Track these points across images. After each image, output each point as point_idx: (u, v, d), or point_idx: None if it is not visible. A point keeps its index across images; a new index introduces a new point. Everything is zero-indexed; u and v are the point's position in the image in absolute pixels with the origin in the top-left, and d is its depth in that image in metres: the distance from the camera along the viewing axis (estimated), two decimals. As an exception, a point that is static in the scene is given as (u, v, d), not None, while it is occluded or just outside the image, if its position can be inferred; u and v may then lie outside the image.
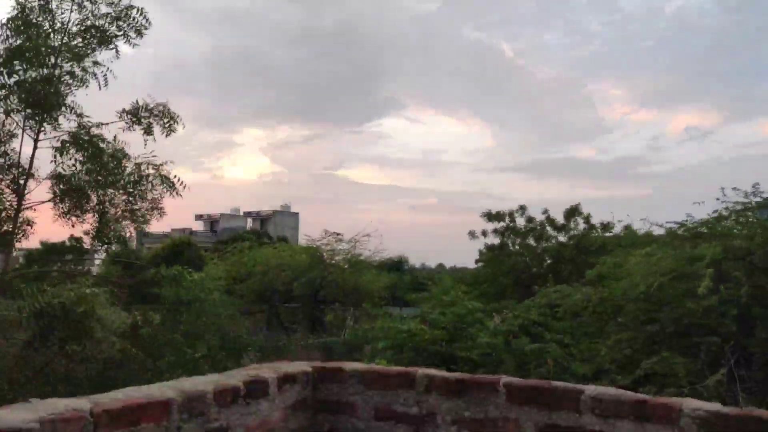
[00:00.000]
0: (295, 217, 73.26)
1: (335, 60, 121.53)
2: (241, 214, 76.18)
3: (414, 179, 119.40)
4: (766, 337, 9.48)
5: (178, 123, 11.44)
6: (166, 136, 11.39)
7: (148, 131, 11.35)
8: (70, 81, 10.98)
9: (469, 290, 19.46)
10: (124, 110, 11.31)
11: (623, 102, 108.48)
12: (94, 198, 11.26)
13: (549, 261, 23.62)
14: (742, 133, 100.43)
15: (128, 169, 11.27)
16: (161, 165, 11.37)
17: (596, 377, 9.91)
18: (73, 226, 11.50)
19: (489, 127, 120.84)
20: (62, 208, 11.21)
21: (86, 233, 11.56)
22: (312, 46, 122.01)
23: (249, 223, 73.62)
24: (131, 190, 11.25)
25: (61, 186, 11.11)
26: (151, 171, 11.29)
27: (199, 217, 77.21)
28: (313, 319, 25.94)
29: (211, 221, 75.91)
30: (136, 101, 11.37)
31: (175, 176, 11.49)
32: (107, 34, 10.94)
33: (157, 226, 13.35)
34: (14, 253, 14.32)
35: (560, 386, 2.46)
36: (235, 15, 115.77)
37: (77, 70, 11.01)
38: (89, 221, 11.42)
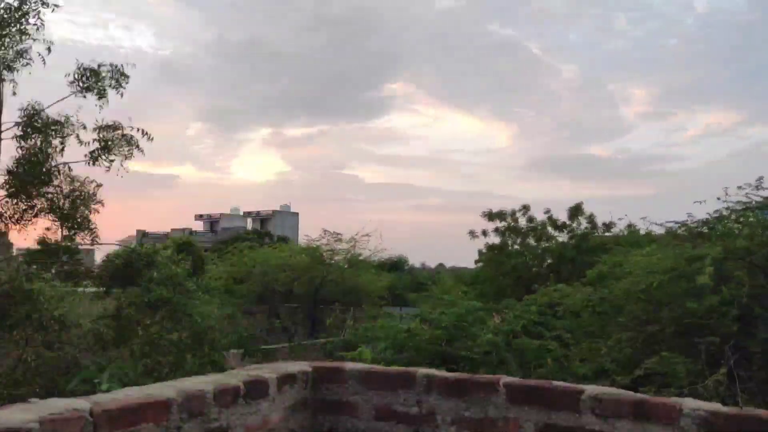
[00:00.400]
0: (295, 217, 73.29)
1: (346, 51, 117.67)
2: (241, 214, 76.21)
3: (424, 178, 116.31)
4: (767, 337, 9.49)
5: (127, 78, 11.44)
6: (121, 95, 11.45)
7: (101, 95, 11.36)
8: (6, 68, 11.00)
9: (469, 290, 19.49)
10: (74, 78, 11.30)
11: (644, 100, 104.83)
12: (40, 199, 11.30)
13: (549, 261, 23.62)
14: (762, 131, 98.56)
15: (93, 136, 11.30)
16: (121, 128, 11.39)
17: (596, 377, 9.91)
18: (34, 228, 11.56)
19: (507, 126, 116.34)
20: (13, 211, 11.23)
21: (48, 229, 11.64)
22: (322, 36, 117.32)
23: (249, 224, 73.64)
24: (101, 155, 11.25)
25: (10, 182, 11.14)
26: (115, 134, 11.31)
27: (199, 217, 77.28)
28: (313, 319, 25.94)
29: (211, 221, 75.94)
30: (81, 65, 11.38)
31: (138, 129, 11.48)
32: (26, 10, 10.92)
33: (157, 226, 13.52)
34: (14, 253, 14.35)
35: (560, 386, 2.46)
36: (241, 1, 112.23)
37: (10, 54, 11.01)
38: (45, 220, 11.49)
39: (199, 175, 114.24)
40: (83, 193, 11.72)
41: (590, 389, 2.37)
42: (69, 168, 11.60)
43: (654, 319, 10.70)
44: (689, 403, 2.17)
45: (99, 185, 11.87)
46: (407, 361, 10.86)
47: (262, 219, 73.79)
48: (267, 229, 62.55)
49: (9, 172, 11.19)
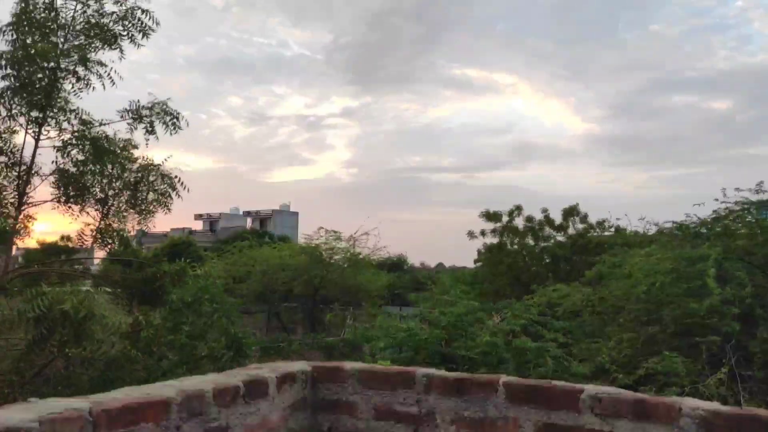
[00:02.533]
0: (295, 216, 73.29)
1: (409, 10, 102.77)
2: (241, 213, 76.20)
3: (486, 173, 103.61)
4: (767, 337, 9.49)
5: (180, 121, 11.52)
6: (171, 134, 11.47)
7: (150, 131, 11.42)
8: (74, 81, 11.02)
9: (468, 289, 19.49)
10: (125, 109, 11.37)
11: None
12: (97, 189, 11.35)
13: (548, 260, 23.65)
14: None
15: (133, 167, 11.39)
16: (160, 165, 11.49)
17: (596, 377, 9.92)
18: (75, 217, 11.52)
19: (597, 114, 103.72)
20: (62, 196, 11.24)
21: (87, 224, 11.59)
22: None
23: (249, 223, 73.62)
24: (132, 189, 11.37)
25: (64, 179, 11.18)
26: (152, 170, 11.40)
27: (198, 217, 77.22)
28: (312, 318, 25.95)
29: (211, 221, 75.92)
30: (137, 101, 11.45)
31: (176, 177, 11.58)
32: (111, 33, 10.94)
33: (156, 226, 13.49)
34: (14, 252, 14.37)
35: (560, 386, 2.46)
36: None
37: (80, 70, 11.04)
38: (91, 212, 11.49)
39: (213, 166, 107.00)
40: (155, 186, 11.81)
41: (590, 388, 2.37)
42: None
43: (654, 319, 10.71)
44: (689, 403, 2.17)
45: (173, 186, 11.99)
46: (407, 361, 10.87)
47: (262, 218, 73.78)
48: (266, 229, 62.54)
49: (63, 171, 11.24)
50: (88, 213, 11.44)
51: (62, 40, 10.81)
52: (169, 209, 11.96)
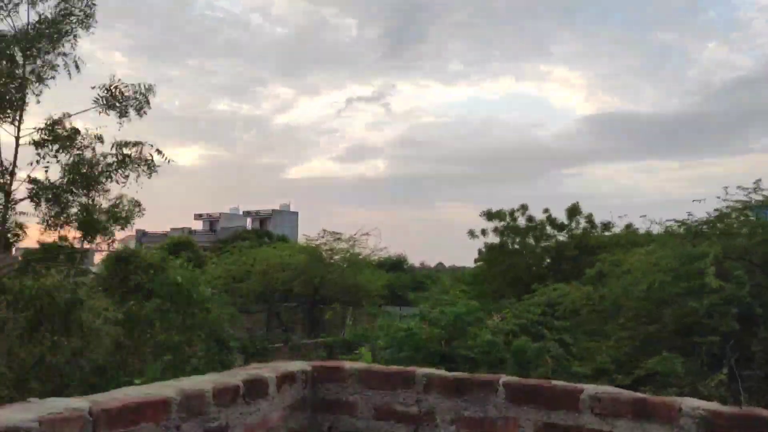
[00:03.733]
0: (294, 216, 73.25)
1: None
2: (241, 213, 76.20)
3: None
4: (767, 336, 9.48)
5: (151, 96, 11.59)
6: (141, 116, 11.56)
7: (123, 114, 11.46)
8: (36, 79, 11.11)
9: (469, 289, 19.49)
10: (98, 96, 11.43)
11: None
12: (75, 205, 11.43)
13: (549, 260, 23.62)
14: None
15: (108, 154, 11.42)
16: (139, 144, 11.54)
17: (596, 377, 9.91)
18: (59, 235, 11.65)
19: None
20: (46, 216, 11.33)
21: (74, 238, 11.74)
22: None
23: (248, 223, 73.60)
24: (115, 173, 11.40)
25: (38, 191, 11.23)
26: (132, 151, 11.44)
27: (198, 217, 77.24)
28: (312, 318, 25.95)
29: (211, 221, 75.92)
30: (109, 86, 11.50)
31: (157, 150, 11.65)
32: (62, 29, 11.03)
33: (156, 226, 13.65)
34: (14, 252, 14.38)
35: (559, 385, 2.45)
36: None
37: (44, 62, 11.11)
38: (75, 226, 11.62)
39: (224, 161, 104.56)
40: (123, 211, 11.92)
41: (590, 388, 2.37)
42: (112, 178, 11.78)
43: (654, 318, 10.71)
44: (689, 402, 2.17)
45: (139, 205, 12.10)
46: (407, 360, 10.87)
47: (262, 218, 73.75)
48: (266, 229, 62.53)
49: (34, 180, 11.33)
50: (71, 225, 11.59)
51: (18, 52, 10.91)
52: (141, 214, 12.12)
